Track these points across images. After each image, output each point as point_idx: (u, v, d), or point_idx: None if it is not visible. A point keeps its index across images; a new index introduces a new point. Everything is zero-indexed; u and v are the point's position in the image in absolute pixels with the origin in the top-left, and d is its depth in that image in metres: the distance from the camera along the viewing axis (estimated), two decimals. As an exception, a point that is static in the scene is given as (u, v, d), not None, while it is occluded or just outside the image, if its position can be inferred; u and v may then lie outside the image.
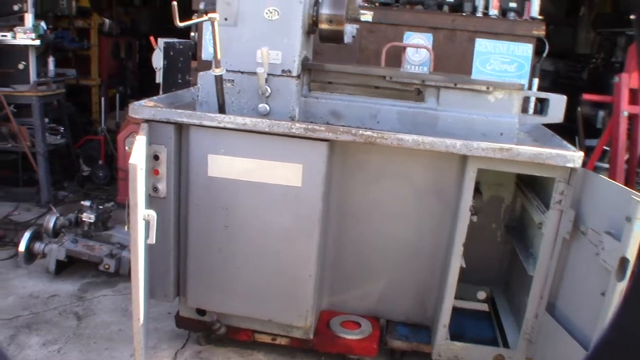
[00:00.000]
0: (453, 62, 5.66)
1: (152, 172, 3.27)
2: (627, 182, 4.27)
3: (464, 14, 5.99)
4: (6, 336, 3.88)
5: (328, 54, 4.80)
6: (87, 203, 5.10)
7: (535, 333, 3.33)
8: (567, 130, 3.76)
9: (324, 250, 3.49)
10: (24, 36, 6.12)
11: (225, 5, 3.37)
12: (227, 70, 3.36)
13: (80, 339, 3.94)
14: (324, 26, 3.45)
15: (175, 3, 3.08)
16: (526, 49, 5.80)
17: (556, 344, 3.11)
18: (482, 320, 3.92)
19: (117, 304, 4.45)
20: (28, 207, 6.41)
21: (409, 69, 5.53)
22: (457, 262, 3.28)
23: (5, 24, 6.18)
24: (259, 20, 3.35)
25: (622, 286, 2.57)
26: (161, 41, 5.87)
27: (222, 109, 3.38)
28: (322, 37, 3.55)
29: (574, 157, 2.98)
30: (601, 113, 7.45)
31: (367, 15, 5.61)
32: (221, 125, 3.17)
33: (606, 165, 4.79)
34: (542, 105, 3.79)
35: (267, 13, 3.34)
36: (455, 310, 3.45)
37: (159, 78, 5.86)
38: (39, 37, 6.22)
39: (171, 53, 5.81)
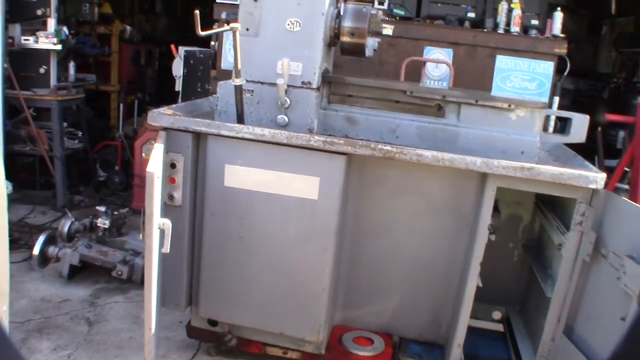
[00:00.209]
0: (473, 78, 5.62)
1: (169, 180, 3.26)
2: (648, 205, 4.19)
3: (485, 30, 5.96)
4: (17, 340, 3.88)
5: (348, 66, 4.79)
6: (102, 208, 5.11)
7: (551, 356, 3.26)
8: (586, 150, 3.70)
9: (339, 265, 3.45)
10: (46, 40, 6.18)
11: (247, 15, 3.38)
12: (247, 81, 3.36)
13: (90, 345, 3.92)
14: (345, 39, 3.43)
15: (197, 12, 3.08)
16: (547, 67, 5.75)
17: (573, 368, 3.04)
18: (497, 341, 3.85)
19: (129, 311, 4.44)
20: (44, 211, 6.44)
21: (429, 83, 5.50)
22: (473, 281, 3.23)
23: (28, 28, 6.25)
24: (281, 31, 3.34)
25: (644, 312, 2.51)
26: (182, 49, 5.90)
27: (240, 119, 3.37)
28: (343, 50, 3.54)
29: (597, 178, 2.93)
30: (622, 133, 7.37)
31: (387, 29, 5.60)
32: (239, 135, 3.16)
33: (626, 187, 4.72)
34: (563, 124, 3.74)
35: (289, 24, 3.33)
36: (470, 329, 3.39)
37: (178, 86, 5.88)
38: (60, 42, 6.28)
39: (191, 61, 5.83)
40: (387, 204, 3.41)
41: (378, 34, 3.61)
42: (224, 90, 3.44)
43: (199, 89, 5.76)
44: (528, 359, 3.52)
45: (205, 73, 5.83)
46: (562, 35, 5.94)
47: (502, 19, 5.94)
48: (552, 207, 3.58)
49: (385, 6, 6.00)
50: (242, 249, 3.34)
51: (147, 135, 6.13)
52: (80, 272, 4.90)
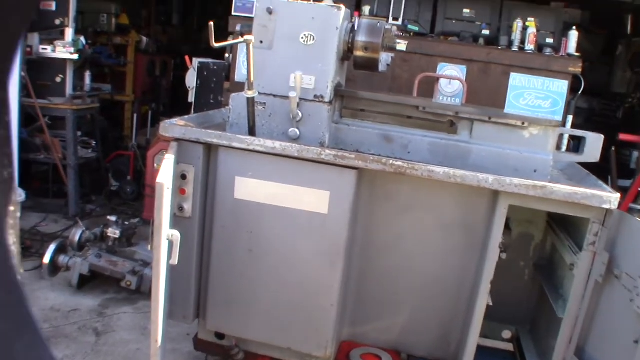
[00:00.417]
0: (486, 95, 5.61)
1: (179, 191, 3.26)
2: (663, 226, 4.13)
3: (499, 47, 5.96)
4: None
5: (361, 81, 4.80)
6: (113, 218, 5.13)
7: (562, 378, 3.21)
8: (599, 170, 3.67)
9: (348, 280, 3.43)
10: (64, 50, 6.25)
11: (261, 28, 3.39)
12: (259, 93, 3.36)
13: (97, 355, 3.92)
14: (359, 53, 3.44)
15: (212, 23, 3.10)
16: (561, 86, 5.74)
17: (584, 391, 2.99)
18: (507, 361, 3.80)
19: (137, 322, 4.44)
20: (56, 219, 6.47)
21: (442, 100, 5.49)
22: (483, 300, 3.19)
23: (47, 38, 6.33)
24: (295, 45, 3.35)
25: (657, 336, 2.47)
26: (196, 61, 5.94)
27: (252, 132, 3.38)
28: (356, 65, 3.54)
29: (610, 198, 2.89)
30: (636, 153, 7.30)
31: (401, 45, 5.60)
32: (250, 147, 3.15)
33: (640, 207, 4.66)
34: (576, 143, 3.71)
35: (302, 38, 3.34)
36: (479, 348, 3.34)
37: (191, 97, 5.92)
38: (77, 51, 6.36)
39: (205, 73, 5.87)
40: (397, 219, 3.39)
41: (392, 49, 3.61)
42: (237, 102, 3.45)
43: (211, 101, 5.79)
44: (538, 380, 3.46)
45: (218, 85, 5.86)
46: (576, 54, 5.92)
47: (516, 36, 5.94)
48: (565, 226, 3.54)
49: (400, 22, 6.02)
50: (251, 262, 3.33)
51: (160, 146, 6.16)
52: (90, 281, 4.91)
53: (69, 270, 4.80)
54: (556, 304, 3.33)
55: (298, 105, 3.31)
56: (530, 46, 5.90)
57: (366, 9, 6.05)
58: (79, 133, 6.90)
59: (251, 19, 3.49)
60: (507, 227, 3.24)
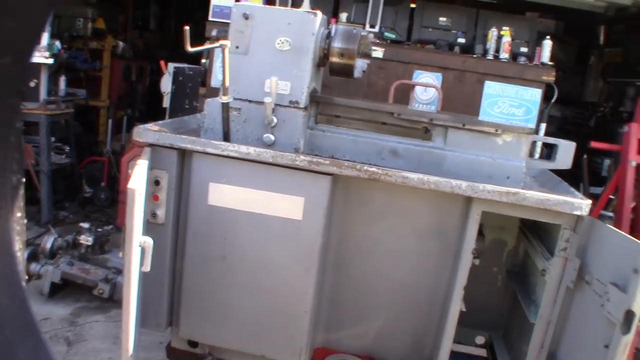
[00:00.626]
0: (461, 103, 5.67)
1: (152, 197, 3.23)
2: (632, 232, 4.21)
3: (474, 55, 6.02)
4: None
5: (336, 87, 4.81)
6: (86, 225, 5.07)
7: (534, 383, 3.23)
8: (571, 177, 3.72)
9: (322, 286, 3.42)
10: (38, 54, 6.15)
11: (237, 33, 3.38)
12: (234, 98, 3.35)
13: (68, 364, 3.85)
14: (334, 59, 3.44)
15: (187, 28, 3.08)
16: (535, 94, 5.81)
17: (556, 396, 3.02)
18: (480, 367, 3.82)
19: (109, 331, 4.37)
20: (28, 226, 6.35)
21: (417, 107, 5.53)
22: (457, 306, 3.20)
23: (19, 42, 6.23)
24: (270, 50, 3.35)
25: (626, 340, 2.49)
26: (171, 66, 5.90)
27: (226, 137, 3.36)
28: (332, 71, 3.54)
29: (582, 204, 2.93)
30: (607, 161, 7.42)
31: (378, 52, 5.64)
32: (225, 153, 3.13)
33: (611, 214, 4.73)
34: (549, 151, 3.75)
35: (278, 43, 3.34)
36: (453, 354, 3.35)
37: (166, 102, 5.87)
38: (52, 55, 6.27)
39: (180, 78, 5.82)
40: (371, 225, 3.39)
41: (368, 55, 3.62)
42: (211, 107, 3.43)
43: (187, 106, 5.75)
44: (511, 385, 3.48)
45: (194, 90, 5.83)
46: (550, 63, 6.01)
47: (491, 45, 6.01)
48: (537, 232, 3.57)
49: (377, 29, 6.06)
50: (225, 268, 3.30)
51: (135, 152, 6.06)
52: (62, 289, 4.83)
53: (40, 278, 4.72)
54: (528, 309, 3.36)
55: (273, 110, 3.30)
56: (504, 55, 5.98)
57: (343, 16, 6.08)
58: (53, 138, 6.81)
59: (228, 24, 3.48)
60: (480, 233, 3.26)
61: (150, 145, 3.20)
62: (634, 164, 4.35)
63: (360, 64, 3.57)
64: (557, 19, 7.44)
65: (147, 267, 2.87)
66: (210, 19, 5.96)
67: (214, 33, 3.60)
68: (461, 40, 6.24)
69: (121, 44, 9.19)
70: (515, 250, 3.92)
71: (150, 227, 3.17)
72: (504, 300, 3.98)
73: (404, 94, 5.47)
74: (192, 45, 3.19)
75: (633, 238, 2.69)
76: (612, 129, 7.66)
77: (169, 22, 12.04)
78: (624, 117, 7.73)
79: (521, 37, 6.23)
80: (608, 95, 8.88)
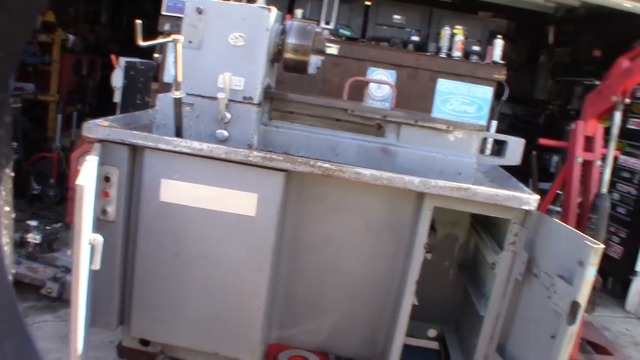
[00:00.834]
0: (414, 100, 5.73)
1: (102, 194, 3.16)
2: (579, 226, 4.32)
3: (428, 53, 6.09)
4: None
5: (291, 83, 4.79)
6: (33, 223, 4.93)
7: (484, 375, 3.30)
8: (521, 173, 3.81)
9: (275, 283, 3.41)
10: (-19, 47, 5.95)
11: (190, 27, 3.34)
12: (187, 94, 3.31)
13: (15, 365, 3.74)
14: (289, 55, 3.44)
15: (138, 21, 3.03)
16: (486, 92, 5.92)
17: (505, 386, 3.09)
18: (432, 359, 3.87)
19: (58, 331, 4.26)
20: (-29, 224, 6.16)
21: (371, 103, 5.57)
22: (409, 300, 3.25)
23: (-38, 34, 6.01)
24: (224, 46, 3.32)
25: (572, 330, 2.57)
26: (122, 60, 5.79)
27: (179, 133, 3.31)
28: (286, 67, 3.53)
29: (530, 199, 3.00)
30: (555, 157, 7.63)
31: (332, 49, 5.65)
32: (177, 149, 3.09)
33: (558, 209, 4.85)
34: (499, 147, 3.83)
35: (232, 39, 3.31)
36: (406, 347, 3.40)
37: (117, 97, 5.76)
38: (-3, 49, 6.06)
39: (132, 73, 5.72)
40: (325, 221, 3.40)
41: (322, 52, 3.62)
42: (164, 102, 3.38)
43: (138, 101, 5.65)
44: (462, 377, 3.55)
45: (146, 85, 5.73)
46: (501, 62, 6.13)
47: (444, 43, 6.09)
48: (487, 227, 3.65)
49: (332, 26, 6.07)
50: (177, 266, 3.26)
51: (85, 148, 5.92)
52: (8, 288, 4.68)
53: (-15, 277, 4.58)
54: (479, 302, 3.42)
55: (226, 106, 3.27)
56: (457, 53, 6.07)
57: (298, 12, 6.07)
58: (-1, 134, 6.59)
59: (181, 18, 3.43)
60: (433, 228, 3.31)
61: (101, 141, 3.13)
62: (580, 160, 4.46)
63: (315, 61, 3.57)
64: (509, 19, 7.61)
65: (96, 265, 2.81)
66: (163, 13, 5.87)
67: (166, 27, 3.52)
68: (415, 38, 6.31)
69: (71, 37, 8.95)
70: (466, 245, 4.00)
71: (100, 224, 3.11)
72: (455, 294, 4.06)
73: (358, 91, 5.50)
74: (145, 39, 3.13)
75: (579, 232, 2.78)
76: (560, 126, 7.87)
77: (121, 16, 11.81)
78: (571, 114, 7.95)
79: (473, 36, 6.34)
80: (557, 93, 9.12)
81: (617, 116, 4.36)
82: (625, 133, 6.46)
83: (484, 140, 3.98)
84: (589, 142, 4.53)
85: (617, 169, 6.69)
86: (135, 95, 5.69)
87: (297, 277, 3.49)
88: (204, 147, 3.08)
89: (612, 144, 4.44)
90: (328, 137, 3.50)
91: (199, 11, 3.35)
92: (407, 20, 6.38)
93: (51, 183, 7.13)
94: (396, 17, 6.35)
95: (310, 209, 3.37)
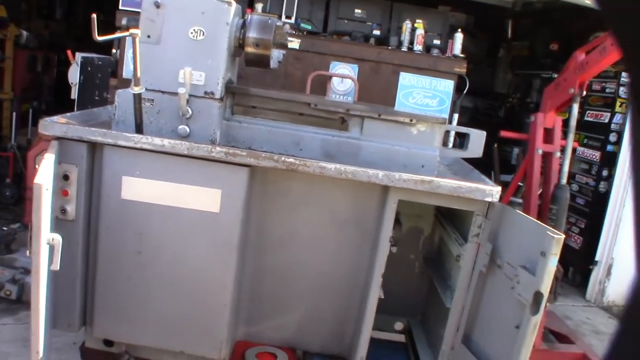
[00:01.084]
0: (377, 94, 5.74)
1: (61, 192, 3.08)
2: (540, 217, 4.40)
3: (389, 47, 6.12)
4: None
5: (253, 78, 4.75)
6: (-11, 223, 4.79)
7: (451, 365, 3.33)
8: (483, 165, 3.85)
9: (241, 279, 3.38)
10: None
11: (148, 22, 3.27)
12: (146, 89, 3.24)
13: (-28, 371, 3.64)
14: (250, 49, 3.40)
15: (94, 16, 2.95)
16: (448, 85, 5.98)
17: (471, 376, 3.12)
18: (399, 352, 3.90)
19: (18, 334, 4.16)
20: None
21: (334, 98, 5.56)
22: (375, 293, 3.25)
23: None
24: (184, 40, 3.26)
25: (536, 320, 2.61)
26: (79, 55, 5.65)
27: (139, 129, 3.25)
28: (247, 61, 3.50)
29: (492, 191, 3.03)
30: (516, 150, 7.76)
31: (294, 43, 5.62)
32: (137, 145, 3.03)
33: (520, 200, 4.93)
34: (461, 140, 3.87)
35: (192, 33, 3.26)
36: (373, 341, 3.41)
37: (74, 94, 5.62)
38: (-54, 45, 5.86)
39: (89, 68, 5.59)
40: (290, 216, 3.38)
41: (283, 46, 3.59)
42: (122, 98, 3.30)
43: (96, 97, 5.53)
44: (429, 369, 3.58)
45: (104, 81, 5.61)
46: (462, 55, 6.19)
47: (406, 37, 6.13)
48: (451, 219, 3.68)
49: (293, 20, 6.04)
50: (140, 264, 3.20)
51: (42, 146, 5.79)
52: (-36, 292, 4.54)
53: (-61, 281, 4.43)
54: (444, 294, 3.45)
55: (188, 101, 3.22)
56: (418, 47, 6.11)
57: (259, 6, 6.02)
58: (-50, 133, 6.39)
59: (139, 13, 3.36)
60: (397, 221, 3.32)
61: (58, 138, 3.04)
62: (540, 152, 4.55)
63: (276, 55, 3.54)
64: (468, 13, 7.68)
65: (56, 266, 2.73)
66: (120, 7, 5.76)
67: (124, 22, 3.44)
68: (376, 32, 6.33)
69: (25, 33, 8.71)
70: (431, 238, 4.03)
71: (59, 223, 3.03)
72: (421, 287, 4.09)
73: (321, 85, 5.50)
74: (101, 34, 3.06)
75: (540, 223, 2.82)
76: (520, 119, 8.02)
77: (77, 11, 11.53)
78: (530, 107, 8.10)
79: (434, 30, 6.39)
80: (516, 86, 9.28)
81: (575, 108, 4.46)
82: (582, 125, 6.61)
83: (447, 133, 4.01)
84: (548, 134, 4.61)
85: (575, 161, 6.85)
86: (93, 91, 5.57)
87: (263, 272, 3.47)
88: (166, 143, 3.02)
89: (571, 136, 4.53)
90: (291, 132, 3.48)
91: (157, 5, 3.28)
92: (368, 14, 6.39)
93: (7, 183, 6.95)
94: (357, 11, 6.36)
95: (275, 204, 3.34)
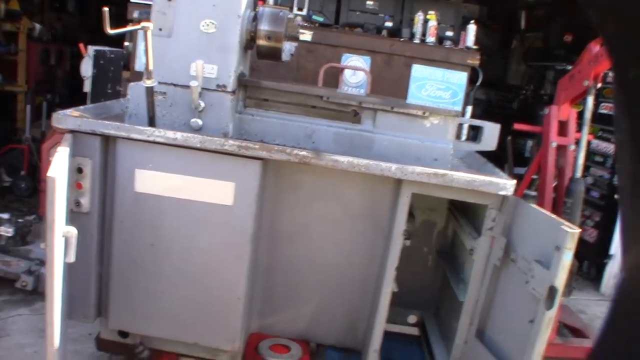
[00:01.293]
0: (390, 86, 5.71)
1: (75, 185, 3.10)
2: (554, 210, 4.38)
3: (402, 39, 6.08)
4: None
5: (266, 71, 4.75)
6: (5, 216, 4.84)
7: (464, 358, 3.33)
8: (496, 158, 3.83)
9: (254, 272, 3.39)
10: (-56, 37, 5.78)
11: (160, 15, 3.27)
12: (159, 82, 3.25)
13: (-11, 361, 3.68)
14: (262, 42, 3.39)
15: (106, 9, 2.95)
16: (461, 77, 5.93)
17: (484, 370, 3.11)
18: (413, 345, 3.90)
19: (34, 325, 4.20)
20: (-60, 218, 6.01)
21: (346, 90, 5.55)
22: (389, 286, 3.25)
23: None
24: (195, 33, 3.26)
25: (550, 314, 2.59)
26: (91, 49, 5.67)
27: (152, 122, 3.26)
28: (259, 54, 3.49)
29: (507, 185, 3.01)
30: (530, 142, 7.70)
31: (306, 35, 5.60)
32: (150, 138, 3.04)
33: (534, 193, 4.90)
34: (475, 133, 3.84)
35: (203, 25, 3.25)
36: (386, 334, 3.40)
37: (87, 87, 5.65)
38: (-39, 38, 5.90)
39: (101, 62, 5.61)
40: (303, 209, 3.38)
41: (295, 38, 3.58)
42: (135, 91, 3.31)
43: (109, 91, 5.55)
44: (442, 362, 3.57)
45: (116, 74, 5.63)
46: (475, 47, 6.14)
47: (418, 29, 6.08)
48: (465, 213, 3.66)
49: (305, 12, 6.01)
50: (154, 257, 3.21)
51: (56, 138, 5.80)
52: (-20, 283, 4.60)
53: (-44, 272, 4.48)
54: (457, 288, 3.44)
55: (200, 94, 3.22)
56: (431, 38, 6.06)
57: (271, -1, 6.00)
58: (-34, 126, 6.44)
59: (151, 5, 3.36)
60: (411, 214, 3.30)
61: (71, 131, 3.06)
62: (554, 144, 4.51)
63: (288, 47, 3.53)
64: (481, 4, 7.62)
65: (71, 258, 2.75)
66: (132, 0, 5.76)
67: (135, 15, 3.45)
68: (388, 23, 6.29)
69: (38, 26, 8.76)
70: (444, 231, 4.01)
71: (74, 216, 3.05)
72: (434, 280, 4.08)
73: (334, 78, 5.48)
74: (113, 27, 3.06)
75: (555, 216, 2.80)
76: (534, 111, 7.95)
77: (89, 4, 11.57)
78: (544, 99, 8.04)
79: (447, 22, 6.34)
80: (529, 78, 9.21)
81: (589, 101, 4.42)
82: (597, 117, 6.54)
83: (460, 125, 3.99)
84: (562, 127, 4.58)
85: (590, 153, 6.78)
86: (106, 84, 5.58)
87: (276, 266, 3.47)
88: (178, 136, 3.03)
89: (586, 128, 4.49)
90: (304, 125, 3.48)
91: (169, -2, 3.28)
92: (381, 6, 6.35)
93: (22, 175, 7.00)
94: (369, 2, 6.32)
95: (287, 197, 3.35)
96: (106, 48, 5.73)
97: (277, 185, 3.30)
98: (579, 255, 3.23)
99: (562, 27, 8.31)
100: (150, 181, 3.12)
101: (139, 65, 5.34)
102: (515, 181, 3.09)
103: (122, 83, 5.53)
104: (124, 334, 3.48)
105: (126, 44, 5.54)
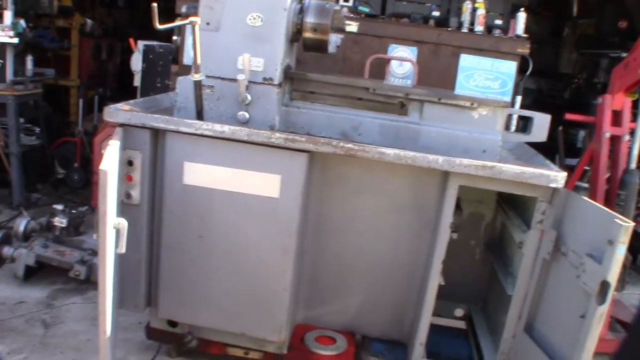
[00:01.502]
0: (437, 77, 5.63)
1: (126, 178, 3.17)
2: (607, 203, 4.25)
3: (449, 29, 5.98)
4: (-32, 343, 3.74)
5: (311, 63, 4.75)
6: (59, 207, 4.97)
7: (512, 353, 3.28)
8: (547, 149, 3.74)
9: (300, 264, 3.41)
10: (2, 34, 5.97)
11: (207, 9, 3.30)
12: (206, 76, 3.29)
13: (46, 348, 3.81)
14: (308, 35, 3.39)
15: (155, 5, 3.01)
16: (510, 67, 5.80)
17: (533, 365, 3.06)
18: (459, 339, 3.86)
19: (87, 313, 4.32)
20: (-1, 209, 6.25)
21: (393, 81, 5.49)
22: (435, 280, 3.22)
23: (-17, 21, 6.04)
24: (242, 26, 3.28)
25: (602, 310, 2.53)
26: (140, 43, 5.77)
27: (200, 116, 3.31)
28: (305, 46, 3.49)
29: (557, 177, 2.94)
30: (582, 132, 7.49)
31: (352, 26, 5.57)
32: (199, 132, 3.08)
33: (586, 185, 4.77)
34: (524, 124, 3.76)
35: (250, 19, 3.27)
36: (432, 327, 3.38)
37: (137, 81, 5.76)
38: (17, 35, 6.08)
39: (150, 56, 5.70)
40: (349, 202, 3.38)
41: (341, 30, 3.57)
42: (184, 85, 3.36)
43: (158, 85, 5.64)
44: (489, 356, 3.53)
45: (165, 68, 5.72)
46: (525, 35, 5.99)
47: (466, 18, 5.97)
48: (514, 205, 3.60)
49: (350, 3, 5.98)
50: (202, 248, 3.27)
51: (107, 131, 5.97)
52: (37, 272, 4.75)
53: (14, 261, 4.63)
54: (506, 281, 3.39)
55: (247, 88, 3.24)
56: (479, 27, 5.94)
57: (316, -10, 5.98)
58: (22, 120, 6.64)
59: (199, 0, 3.40)
60: (458, 207, 3.26)
61: (122, 125, 3.13)
62: (608, 135, 4.37)
63: (334, 39, 3.52)
64: (531, -9, 7.43)
65: (122, 249, 2.82)
66: (180, -5, 5.83)
67: (183, 10, 3.49)
68: (435, 13, 6.18)
69: (89, 21, 8.96)
70: (492, 224, 3.95)
71: (125, 208, 3.13)
72: (482, 273, 4.02)
73: (380, 69, 5.43)
74: (162, 22, 3.12)
75: (608, 209, 2.72)
76: (587, 100, 7.72)
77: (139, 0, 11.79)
78: (597, 88, 7.79)
79: (495, 10, 6.20)
80: (582, 66, 8.93)
81: (646, 89, 4.26)
82: (653, 106, 6.31)
83: (509, 116, 3.92)
84: (616, 117, 4.43)
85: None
86: (155, 78, 5.68)
87: (322, 258, 3.49)
88: (226, 129, 3.06)
89: (641, 118, 4.34)
90: (350, 117, 3.47)
91: (216, -8, 3.31)
92: (427, -5, 6.26)
93: (75, 167, 7.19)
94: (416, -8, 6.23)
95: (333, 189, 3.35)
96: (155, 43, 5.82)
97: (323, 177, 3.31)
98: (632, 248, 3.14)
99: (616, 13, 8.03)
100: (199, 174, 3.17)
101: (187, 59, 5.41)
102: (566, 173, 3.01)
103: (170, 77, 5.62)
104: (173, 324, 3.56)
105: (174, 38, 5.63)
